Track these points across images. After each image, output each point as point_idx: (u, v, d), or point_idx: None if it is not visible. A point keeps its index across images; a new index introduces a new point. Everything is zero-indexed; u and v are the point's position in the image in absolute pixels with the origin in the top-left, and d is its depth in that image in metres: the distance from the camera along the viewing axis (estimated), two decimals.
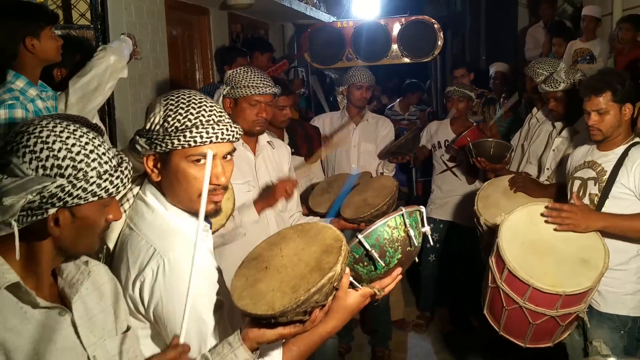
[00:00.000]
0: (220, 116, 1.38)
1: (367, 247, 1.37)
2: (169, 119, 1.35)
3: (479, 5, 10.51)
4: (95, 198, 1.12)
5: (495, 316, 2.41)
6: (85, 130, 1.15)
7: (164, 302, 1.34)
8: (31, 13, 2.29)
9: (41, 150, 1.08)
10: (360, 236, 1.38)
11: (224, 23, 5.46)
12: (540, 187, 3.01)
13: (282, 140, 3.01)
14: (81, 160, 1.10)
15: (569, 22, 6.26)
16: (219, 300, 1.40)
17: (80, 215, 1.13)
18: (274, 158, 2.62)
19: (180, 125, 1.34)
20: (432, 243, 1.52)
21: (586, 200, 2.53)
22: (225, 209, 1.77)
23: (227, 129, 1.37)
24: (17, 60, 2.28)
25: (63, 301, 1.21)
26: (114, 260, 1.44)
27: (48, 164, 1.08)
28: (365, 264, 1.40)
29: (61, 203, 1.09)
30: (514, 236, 2.33)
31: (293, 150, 3.08)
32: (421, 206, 1.47)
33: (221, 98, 2.43)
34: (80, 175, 1.10)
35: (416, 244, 1.43)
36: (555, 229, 2.32)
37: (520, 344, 2.36)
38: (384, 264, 1.39)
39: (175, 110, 1.35)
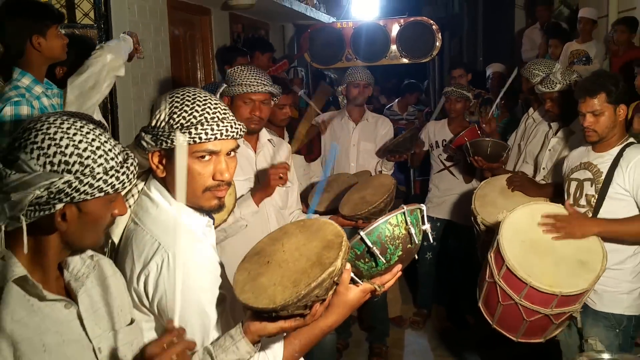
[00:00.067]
0: (224, 113, 1.40)
1: (369, 243, 1.38)
2: (175, 115, 1.37)
3: (477, 7, 10.53)
4: (102, 194, 1.13)
5: (490, 310, 2.43)
6: (91, 126, 1.16)
7: (168, 295, 1.35)
8: (38, 12, 2.32)
9: (49, 146, 1.10)
10: (362, 233, 1.38)
11: (225, 23, 5.48)
12: (537, 186, 3.03)
13: (282, 138, 3.03)
14: (88, 157, 1.12)
15: (565, 24, 6.28)
16: (221, 294, 1.42)
17: (87, 211, 1.15)
18: (274, 156, 2.64)
19: (186, 122, 1.36)
20: (431, 241, 1.54)
21: (583, 202, 2.55)
22: (227, 205, 1.79)
23: (231, 126, 1.39)
24: (23, 58, 2.31)
25: (69, 294, 1.23)
26: (119, 254, 1.45)
27: (55, 160, 1.10)
28: (367, 260, 1.41)
29: (68, 198, 1.10)
30: (515, 234, 2.34)
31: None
32: (422, 204, 1.48)
33: (218, 96, 2.45)
34: (87, 171, 1.11)
35: (416, 242, 1.45)
36: (552, 238, 2.34)
37: (512, 338, 2.39)
38: (385, 261, 1.40)
39: (180, 107, 1.37)
